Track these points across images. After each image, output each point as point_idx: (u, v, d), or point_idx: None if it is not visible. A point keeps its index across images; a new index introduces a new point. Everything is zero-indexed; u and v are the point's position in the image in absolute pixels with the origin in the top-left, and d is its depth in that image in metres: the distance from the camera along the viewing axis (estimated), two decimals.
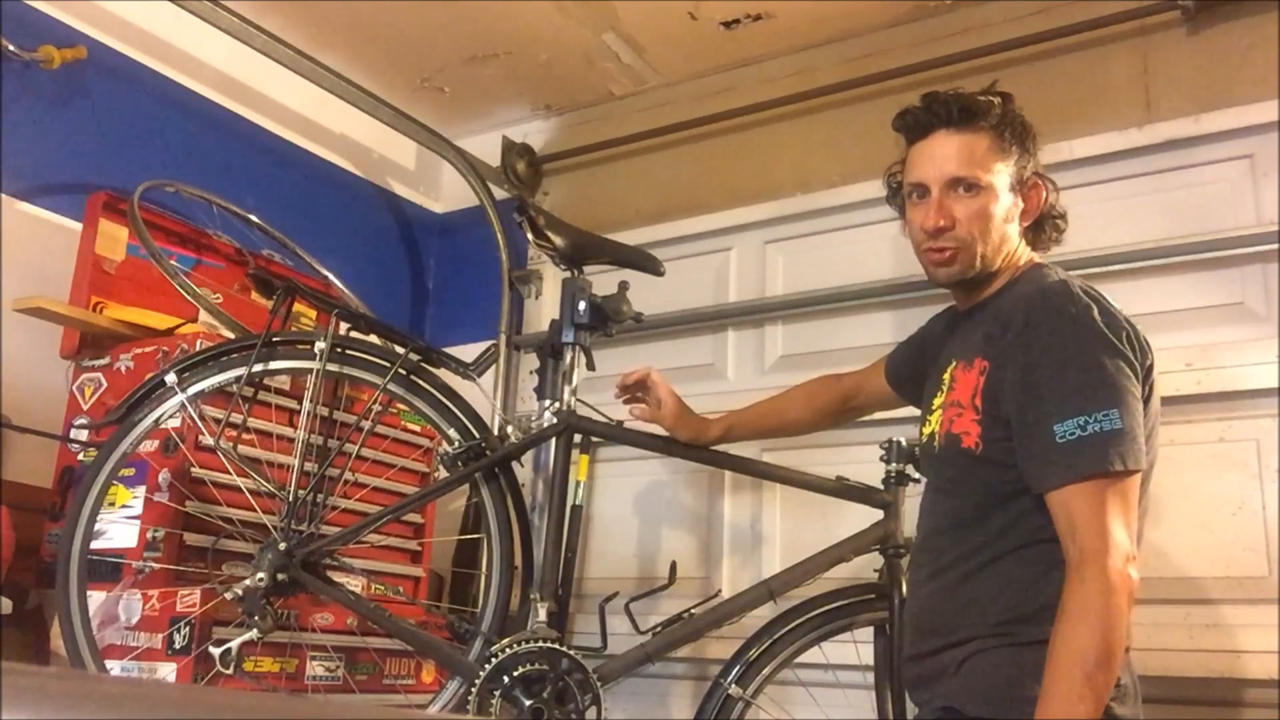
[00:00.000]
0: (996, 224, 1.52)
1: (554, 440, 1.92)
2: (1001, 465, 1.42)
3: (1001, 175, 1.52)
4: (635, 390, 1.98)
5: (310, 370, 1.95)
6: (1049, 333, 1.39)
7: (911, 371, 1.77)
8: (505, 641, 1.79)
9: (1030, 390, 1.38)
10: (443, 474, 2.06)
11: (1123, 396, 1.33)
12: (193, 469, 2.08)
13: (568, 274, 2.00)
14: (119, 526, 2.09)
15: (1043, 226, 1.59)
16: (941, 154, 1.52)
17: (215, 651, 1.80)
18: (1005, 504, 1.43)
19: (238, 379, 1.92)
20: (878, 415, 2.04)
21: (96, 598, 1.99)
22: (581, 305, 1.94)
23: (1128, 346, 1.38)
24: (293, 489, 1.88)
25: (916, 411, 1.73)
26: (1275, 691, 2.00)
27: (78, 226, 2.45)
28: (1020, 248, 1.57)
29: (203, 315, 2.33)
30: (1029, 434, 1.37)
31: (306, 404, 1.94)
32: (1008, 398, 1.41)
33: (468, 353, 2.17)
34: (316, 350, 1.94)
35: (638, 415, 1.96)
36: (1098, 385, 1.34)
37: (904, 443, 1.90)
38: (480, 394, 2.13)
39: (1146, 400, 1.40)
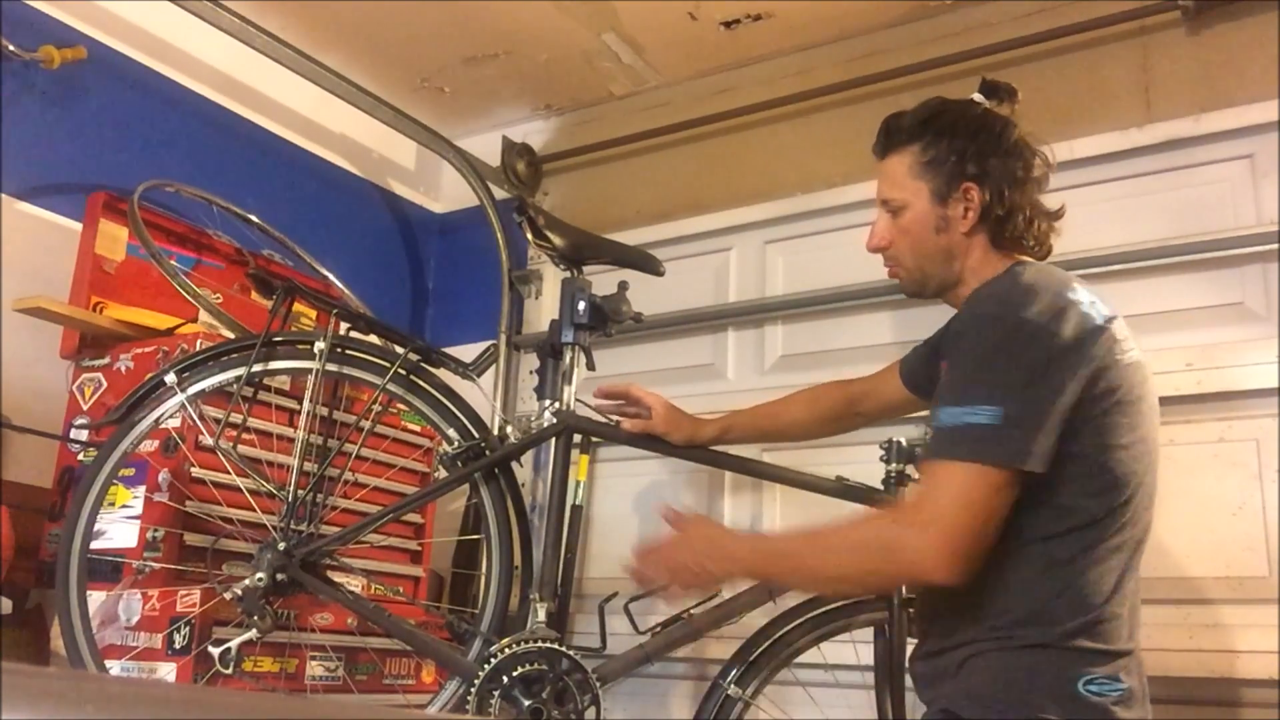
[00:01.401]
0: (922, 238, 1.55)
1: (554, 440, 1.92)
2: None
3: (922, 192, 1.54)
4: (616, 400, 1.97)
5: (310, 370, 1.95)
6: (969, 330, 1.42)
7: (926, 371, 1.77)
8: (505, 642, 1.79)
9: (943, 383, 1.43)
10: (442, 474, 2.06)
11: (1009, 395, 1.31)
12: (193, 469, 2.08)
13: (567, 274, 2.00)
14: (119, 526, 2.09)
15: (1005, 223, 1.52)
16: (879, 177, 1.61)
17: (215, 651, 1.80)
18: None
19: (238, 379, 1.92)
20: None
21: (96, 598, 1.99)
22: (581, 305, 1.94)
23: (1053, 344, 1.33)
24: (292, 489, 1.88)
25: (916, 412, 1.73)
26: (1275, 691, 2.00)
27: (78, 226, 2.45)
28: (985, 252, 1.54)
29: (203, 315, 2.33)
30: (931, 418, 1.42)
31: (306, 404, 1.94)
32: None
33: (468, 353, 2.17)
34: (316, 350, 1.94)
35: (628, 428, 1.95)
36: (984, 382, 1.33)
37: (904, 443, 1.90)
38: (480, 394, 2.13)
39: (1104, 391, 1.36)
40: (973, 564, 1.30)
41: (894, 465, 1.90)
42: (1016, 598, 1.38)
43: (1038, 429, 1.30)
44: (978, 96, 1.60)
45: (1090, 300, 1.42)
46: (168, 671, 1.91)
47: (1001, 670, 1.37)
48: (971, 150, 1.51)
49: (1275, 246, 2.20)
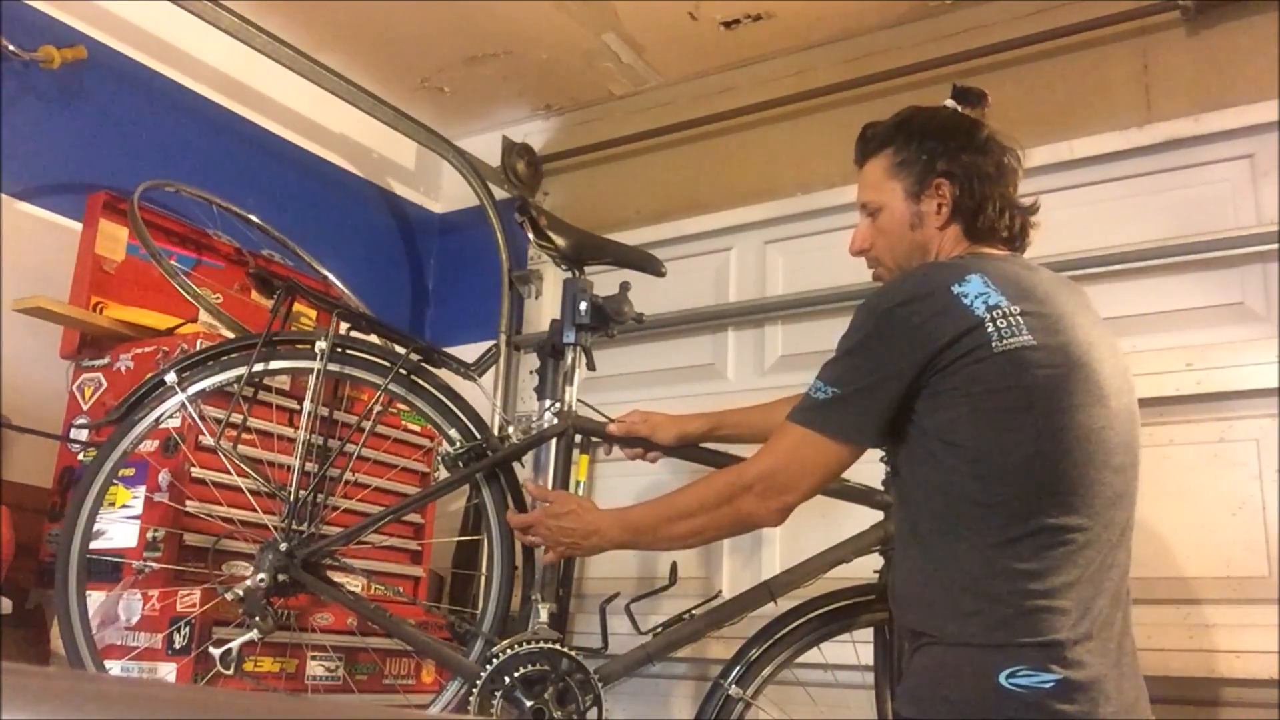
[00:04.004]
0: (899, 236, 1.61)
1: (555, 440, 1.92)
2: (906, 460, 1.47)
3: (896, 191, 1.59)
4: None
5: (311, 370, 1.94)
6: (855, 314, 1.51)
7: None
8: (506, 642, 1.79)
9: None
10: (443, 474, 2.06)
11: (845, 379, 1.46)
12: (193, 469, 2.08)
13: (569, 274, 2.00)
14: (119, 526, 2.09)
15: (976, 216, 1.55)
16: (858, 184, 1.67)
17: (215, 652, 1.80)
18: (913, 501, 1.47)
19: (238, 379, 1.92)
20: None
21: (96, 598, 1.99)
22: (583, 306, 1.94)
23: (900, 331, 1.41)
24: (293, 489, 1.88)
25: None
26: (1275, 691, 2.00)
27: (78, 226, 2.45)
28: (951, 244, 1.57)
29: (203, 315, 2.33)
30: None
31: (307, 404, 1.94)
32: None
33: (468, 353, 2.17)
34: (317, 350, 1.93)
35: (612, 430, 1.95)
36: (836, 362, 1.48)
37: None
38: (481, 394, 2.13)
39: (969, 378, 1.37)
40: (785, 512, 1.53)
41: None
42: (939, 593, 1.40)
43: (864, 410, 1.45)
44: (949, 102, 1.65)
45: (981, 291, 1.41)
46: (168, 672, 1.90)
47: (932, 668, 1.39)
48: (941, 149, 1.57)
49: (1275, 246, 2.20)
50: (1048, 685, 1.30)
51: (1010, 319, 1.39)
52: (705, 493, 1.60)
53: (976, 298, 1.41)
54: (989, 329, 1.39)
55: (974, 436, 1.38)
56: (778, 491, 1.51)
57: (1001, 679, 1.31)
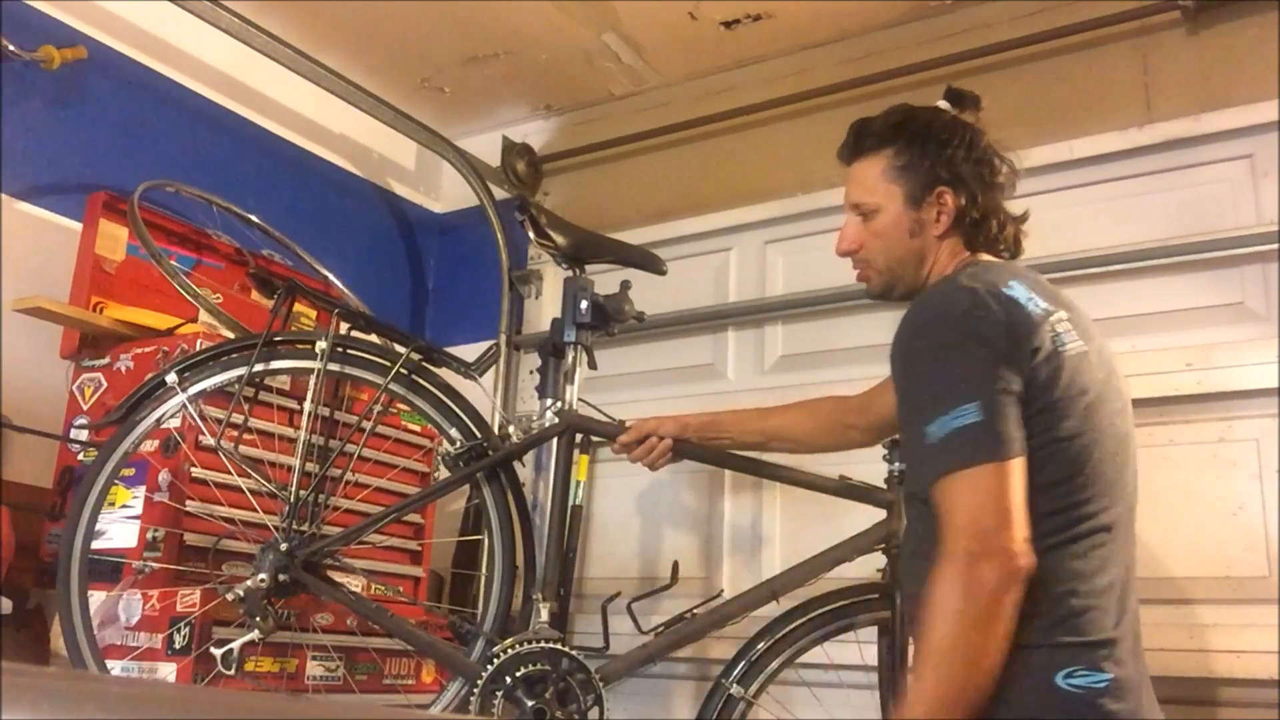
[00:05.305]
0: (895, 241, 1.57)
1: (555, 440, 1.92)
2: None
3: (894, 195, 1.56)
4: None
5: (311, 370, 1.94)
6: (912, 338, 1.42)
7: None
8: (507, 642, 1.79)
9: (903, 398, 1.43)
10: (444, 474, 2.06)
11: (979, 389, 1.33)
12: (193, 469, 2.07)
13: (569, 273, 2.00)
14: (119, 526, 2.09)
15: (980, 228, 1.55)
16: (849, 182, 1.62)
17: (216, 652, 1.79)
18: (920, 504, 1.46)
19: (238, 379, 1.92)
20: None
21: (97, 598, 1.99)
22: (583, 304, 1.94)
23: (996, 336, 1.36)
24: (294, 489, 1.88)
25: None
26: (1275, 691, 2.00)
27: (78, 226, 2.45)
28: (948, 254, 1.56)
29: (203, 315, 2.33)
30: (908, 440, 1.43)
31: (307, 404, 1.94)
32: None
33: (468, 352, 2.17)
34: (318, 350, 1.94)
35: (628, 440, 1.96)
36: (954, 382, 1.35)
37: None
38: (481, 394, 2.13)
39: (1045, 382, 1.36)
40: (1026, 543, 1.29)
41: (897, 464, 1.90)
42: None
43: (1011, 418, 1.33)
44: (943, 104, 1.62)
45: (1029, 296, 1.41)
46: (168, 672, 1.90)
47: None
48: (944, 155, 1.54)
49: (1275, 246, 2.20)
50: (1102, 684, 1.31)
51: (1063, 323, 1.41)
52: (943, 606, 1.29)
53: (1029, 300, 1.41)
54: (1051, 333, 1.39)
55: (1043, 441, 1.36)
56: (993, 538, 1.28)
57: (1059, 679, 1.31)
